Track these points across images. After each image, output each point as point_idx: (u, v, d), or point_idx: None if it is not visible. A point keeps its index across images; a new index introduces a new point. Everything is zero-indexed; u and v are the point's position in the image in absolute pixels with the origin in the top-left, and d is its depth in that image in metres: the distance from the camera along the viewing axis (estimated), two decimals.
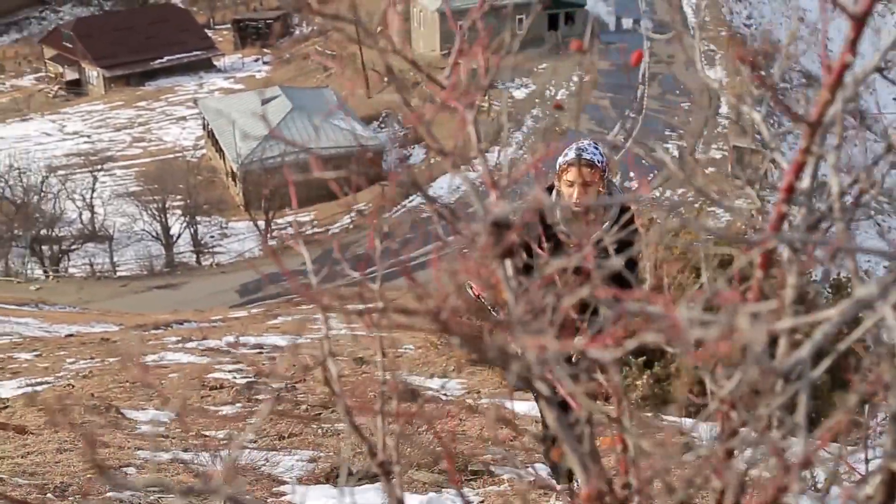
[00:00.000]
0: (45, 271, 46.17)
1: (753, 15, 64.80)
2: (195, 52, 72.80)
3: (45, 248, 47.74)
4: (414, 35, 63.62)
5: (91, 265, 46.70)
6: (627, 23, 63.35)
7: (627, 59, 60.93)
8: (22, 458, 5.06)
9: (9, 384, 10.16)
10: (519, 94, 56.07)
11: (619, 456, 1.38)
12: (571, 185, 4.74)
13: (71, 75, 72.40)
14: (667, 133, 52.27)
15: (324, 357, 1.47)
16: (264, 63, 74.18)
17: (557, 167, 4.83)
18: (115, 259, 47.60)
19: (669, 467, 1.21)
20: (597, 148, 4.80)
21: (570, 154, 4.78)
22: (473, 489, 4.95)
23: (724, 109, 53.34)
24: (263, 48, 76.16)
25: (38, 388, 9.40)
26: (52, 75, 75.10)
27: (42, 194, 49.23)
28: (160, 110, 66.72)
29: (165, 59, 71.42)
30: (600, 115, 52.76)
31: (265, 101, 55.62)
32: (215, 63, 74.14)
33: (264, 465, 4.77)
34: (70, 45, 71.46)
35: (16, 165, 49.44)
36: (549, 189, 4.89)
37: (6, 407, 8.33)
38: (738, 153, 45.17)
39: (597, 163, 4.74)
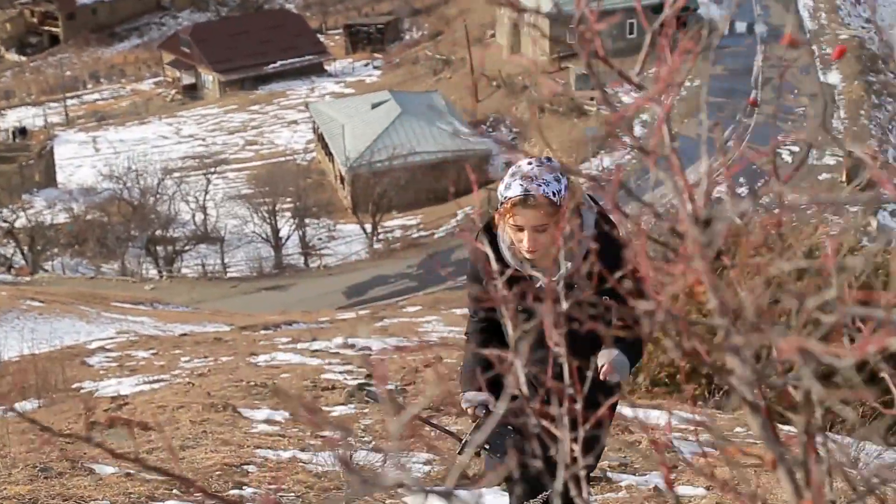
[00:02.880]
0: (159, 271, 47.39)
1: (873, 17, 63.03)
2: (307, 57, 73.93)
3: (159, 248, 48.99)
4: (523, 40, 63.52)
5: (203, 266, 47.78)
6: (741, 27, 62.21)
7: (748, 63, 59.58)
8: (147, 453, 5.20)
9: (127, 381, 10.46)
10: (627, 99, 55.50)
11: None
12: (520, 229, 3.71)
13: (188, 79, 74.22)
14: (780, 138, 51.17)
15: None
16: (375, 67, 74.91)
17: (499, 201, 3.75)
18: (226, 260, 48.62)
19: None
20: (551, 174, 3.70)
21: (514, 188, 3.69)
22: (591, 495, 4.92)
23: (841, 114, 52.00)
24: (374, 53, 76.94)
25: (156, 385, 9.65)
26: (170, 79, 77.11)
27: (158, 196, 50.53)
28: (272, 114, 67.94)
29: (279, 63, 72.67)
30: (713, 117, 51.79)
31: (375, 105, 56.19)
32: (326, 67, 75.19)
33: (381, 466, 4.81)
34: (187, 50, 73.26)
35: (134, 167, 50.85)
36: (488, 229, 3.85)
37: (126, 404, 8.57)
38: (852, 160, 43.97)
39: (552, 200, 3.65)
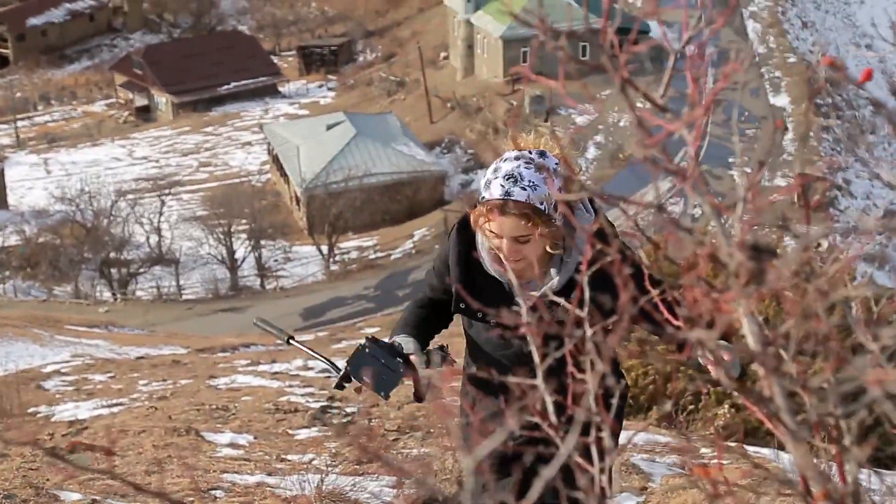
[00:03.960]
0: (113, 294, 46.93)
1: (819, 41, 64.14)
2: (261, 78, 73.80)
3: (113, 271, 48.54)
4: (477, 61, 63.86)
5: (158, 288, 47.39)
6: (691, 49, 62.96)
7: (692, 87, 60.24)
8: (112, 479, 5.13)
9: (85, 405, 10.35)
10: (581, 120, 56.00)
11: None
12: (498, 236, 3.13)
13: (140, 101, 73.77)
14: (730, 160, 51.84)
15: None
16: (329, 89, 74.95)
17: (477, 201, 3.19)
18: (182, 282, 48.25)
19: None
20: (540, 175, 3.04)
21: (494, 189, 3.08)
22: None
23: (790, 136, 52.76)
24: (328, 74, 76.99)
25: (115, 409, 9.55)
26: (122, 101, 76.59)
27: (111, 218, 50.11)
28: (226, 135, 67.69)
29: (232, 85, 72.49)
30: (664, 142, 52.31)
31: (330, 127, 56.16)
32: (280, 89, 75.10)
33: (351, 490, 4.81)
34: (140, 72, 72.84)
35: (87, 189, 50.43)
36: (464, 226, 3.33)
37: (86, 428, 8.48)
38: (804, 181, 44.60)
39: (537, 208, 3.04)
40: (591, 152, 52.84)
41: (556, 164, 3.09)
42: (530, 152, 3.11)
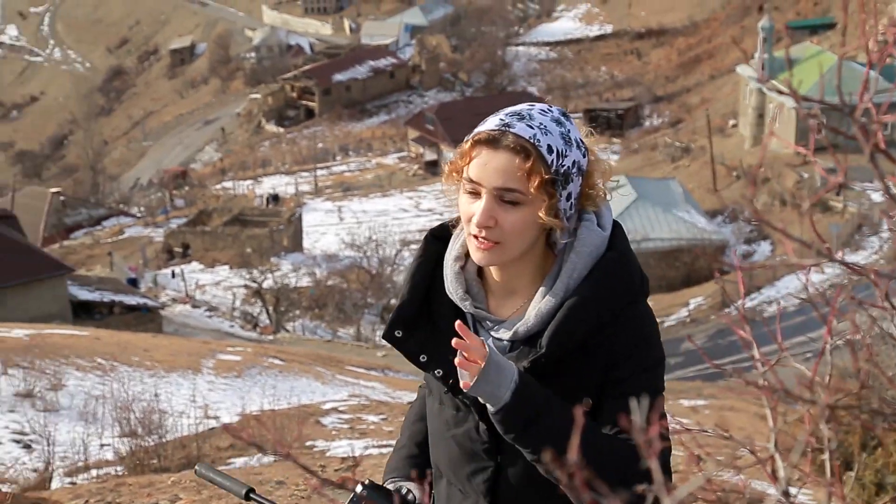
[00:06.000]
0: None
1: None
2: None
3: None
4: (766, 130, 62.27)
5: None
6: None
7: None
8: None
9: (358, 443, 10.89)
10: (876, 196, 53.31)
11: None
12: (475, 195, 2.11)
13: (430, 156, 76.74)
14: None
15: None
16: (612, 152, 75.19)
17: (458, 151, 2.18)
18: None
19: None
20: (559, 129, 2.16)
21: (488, 123, 2.12)
22: None
23: None
24: (612, 137, 77.28)
25: (385, 450, 10.01)
26: (413, 155, 80.00)
27: (395, 266, 52.13)
28: None
29: None
30: None
31: (611, 190, 56.21)
32: None
33: None
34: (431, 128, 75.84)
35: (374, 237, 52.77)
36: (439, 236, 2.35)
37: (357, 465, 8.97)
38: None
39: (541, 154, 2.07)
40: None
41: (579, 134, 2.24)
42: (551, 106, 2.23)
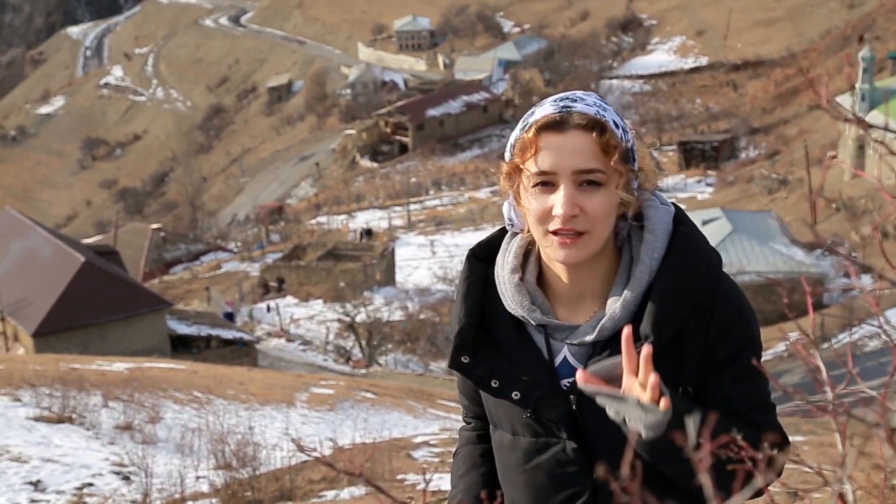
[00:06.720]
0: None
1: None
2: None
3: None
4: (868, 162, 60.96)
5: None
6: None
7: None
8: None
9: (447, 477, 10.94)
10: None
11: None
12: (546, 187, 1.97)
13: None
14: None
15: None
16: (707, 184, 74.33)
17: (511, 146, 2.06)
18: None
19: None
20: (605, 105, 2.02)
21: (545, 107, 1.99)
22: None
23: None
24: (707, 170, 76.42)
25: None
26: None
27: None
28: None
29: None
30: None
31: (705, 222, 55.62)
32: (658, 182, 75.32)
33: None
34: None
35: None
36: (480, 256, 2.25)
37: (445, 500, 9.01)
38: None
39: (611, 129, 1.98)
40: None
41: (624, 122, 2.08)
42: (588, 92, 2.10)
